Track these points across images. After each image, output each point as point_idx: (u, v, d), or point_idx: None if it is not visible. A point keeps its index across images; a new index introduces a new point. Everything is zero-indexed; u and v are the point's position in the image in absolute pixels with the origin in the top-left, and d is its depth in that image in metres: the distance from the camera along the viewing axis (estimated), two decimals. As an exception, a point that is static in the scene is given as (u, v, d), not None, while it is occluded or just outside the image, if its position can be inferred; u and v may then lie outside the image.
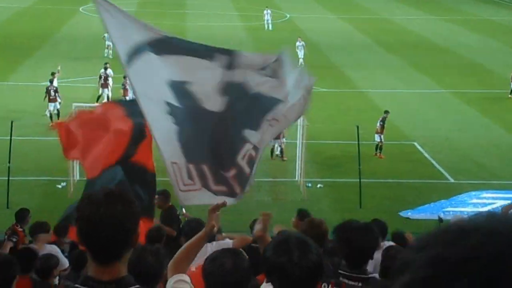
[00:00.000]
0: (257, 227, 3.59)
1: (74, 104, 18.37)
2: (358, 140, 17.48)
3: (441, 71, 32.00)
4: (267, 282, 3.01)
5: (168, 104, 6.43)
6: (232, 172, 6.45)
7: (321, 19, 47.88)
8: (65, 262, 7.92)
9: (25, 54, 33.25)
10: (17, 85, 27.91)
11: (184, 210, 10.34)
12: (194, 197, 6.48)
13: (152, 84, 6.48)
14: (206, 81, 6.52)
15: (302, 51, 31.80)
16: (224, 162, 6.45)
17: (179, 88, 6.50)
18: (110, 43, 32.96)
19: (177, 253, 3.56)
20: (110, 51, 30.98)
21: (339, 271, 3.81)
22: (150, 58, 6.39)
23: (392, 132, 21.30)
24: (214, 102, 6.49)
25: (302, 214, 8.82)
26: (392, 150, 20.86)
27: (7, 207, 15.31)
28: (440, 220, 13.16)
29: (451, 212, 15.39)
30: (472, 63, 32.85)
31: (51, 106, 22.46)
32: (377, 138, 20.23)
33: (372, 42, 40.21)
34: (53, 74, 24.03)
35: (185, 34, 41.17)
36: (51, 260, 6.94)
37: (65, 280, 7.41)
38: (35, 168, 18.09)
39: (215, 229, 3.62)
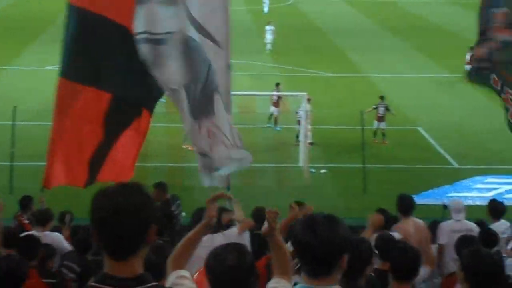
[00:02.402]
0: (264, 226, 3.55)
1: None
2: (362, 126, 17.42)
3: (448, 55, 31.76)
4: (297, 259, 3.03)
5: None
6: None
7: (326, 3, 47.54)
8: (67, 249, 7.92)
9: (29, 37, 33.18)
10: (21, 70, 27.88)
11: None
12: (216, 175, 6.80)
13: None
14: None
15: (271, 36, 32.31)
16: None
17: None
18: None
19: (176, 248, 3.51)
20: None
21: None
22: None
23: (397, 117, 21.20)
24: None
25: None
26: (396, 135, 20.80)
27: (10, 193, 15.34)
28: (445, 205, 13.10)
29: (455, 197, 15.31)
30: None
31: None
32: (375, 125, 20.15)
33: (378, 26, 39.95)
34: None
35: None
36: (47, 250, 6.94)
37: (66, 260, 7.40)
38: (39, 153, 18.09)
39: (214, 219, 3.56)
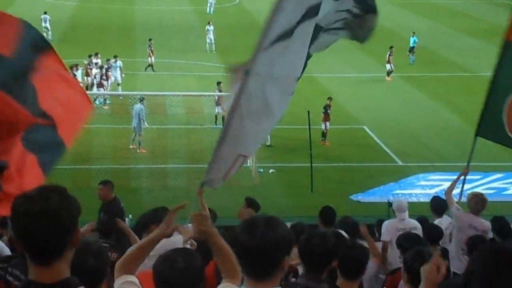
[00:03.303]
0: (189, 229, 3.46)
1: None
2: (309, 125, 17.57)
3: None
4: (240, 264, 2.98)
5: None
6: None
7: (271, 2, 47.70)
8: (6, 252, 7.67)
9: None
10: None
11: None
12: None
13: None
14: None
15: (212, 35, 33.07)
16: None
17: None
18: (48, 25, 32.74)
19: (127, 252, 3.42)
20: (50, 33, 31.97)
21: None
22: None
23: (342, 117, 21.50)
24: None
25: (250, 202, 8.75)
26: (342, 134, 21.08)
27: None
28: (390, 203, 13.36)
29: (400, 195, 15.65)
30: (420, 47, 33.37)
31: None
32: (322, 125, 20.45)
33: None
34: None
35: (133, 19, 40.48)
36: None
37: (11, 267, 7.13)
38: None
39: (170, 229, 3.43)
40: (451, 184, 8.54)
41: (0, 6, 40.61)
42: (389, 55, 28.45)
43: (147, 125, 19.50)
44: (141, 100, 19.70)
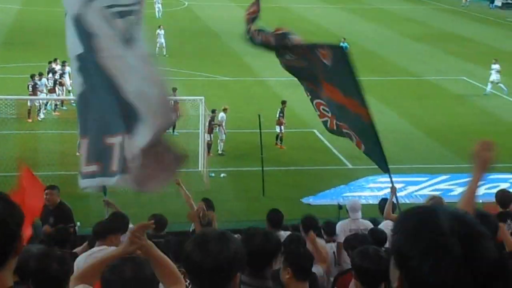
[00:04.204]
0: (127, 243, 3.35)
1: None
2: (260, 129, 17.63)
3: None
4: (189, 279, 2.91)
5: (78, 57, 6.47)
6: (114, 140, 6.29)
7: (221, 7, 47.79)
8: None
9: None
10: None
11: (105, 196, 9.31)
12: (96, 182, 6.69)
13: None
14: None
15: (162, 40, 32.99)
16: (109, 126, 6.31)
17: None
18: None
19: (88, 264, 3.34)
20: None
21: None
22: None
23: (293, 120, 21.65)
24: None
25: (207, 203, 8.76)
26: (293, 138, 21.23)
27: None
28: (339, 206, 13.53)
29: (349, 197, 15.86)
30: (366, 51, 33.94)
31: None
32: (277, 129, 20.56)
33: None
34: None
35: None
36: None
37: None
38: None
39: (132, 248, 3.34)
40: (388, 206, 8.70)
41: None
42: None
43: None
44: None
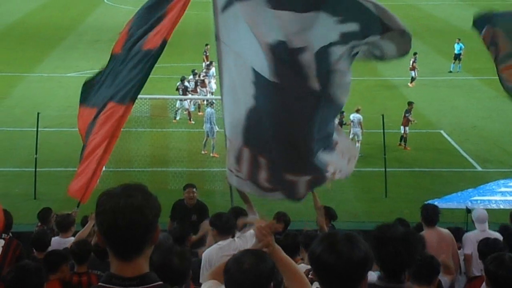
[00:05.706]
0: (253, 243, 3.43)
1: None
2: (384, 129, 17.34)
3: (469, 57, 31.51)
4: (314, 277, 2.94)
5: (255, 72, 5.52)
6: (300, 178, 6.11)
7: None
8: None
9: (51, 45, 33.55)
10: (43, 77, 28.19)
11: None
12: (241, 184, 6.38)
13: (244, 42, 5.52)
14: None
15: None
16: (293, 166, 6.00)
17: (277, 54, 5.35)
18: None
19: (223, 262, 3.45)
20: None
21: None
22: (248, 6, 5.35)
23: (419, 121, 21.07)
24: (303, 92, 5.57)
25: (278, 217, 8.79)
26: (418, 139, 20.66)
27: (35, 198, 15.52)
28: (468, 209, 12.98)
29: (478, 201, 15.16)
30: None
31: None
32: (402, 129, 20.12)
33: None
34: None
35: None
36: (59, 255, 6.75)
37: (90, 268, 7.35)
38: (62, 159, 18.27)
39: (260, 245, 3.37)
40: None
41: None
42: (413, 62, 27.31)
43: (218, 128, 19.36)
44: (211, 104, 19.82)
